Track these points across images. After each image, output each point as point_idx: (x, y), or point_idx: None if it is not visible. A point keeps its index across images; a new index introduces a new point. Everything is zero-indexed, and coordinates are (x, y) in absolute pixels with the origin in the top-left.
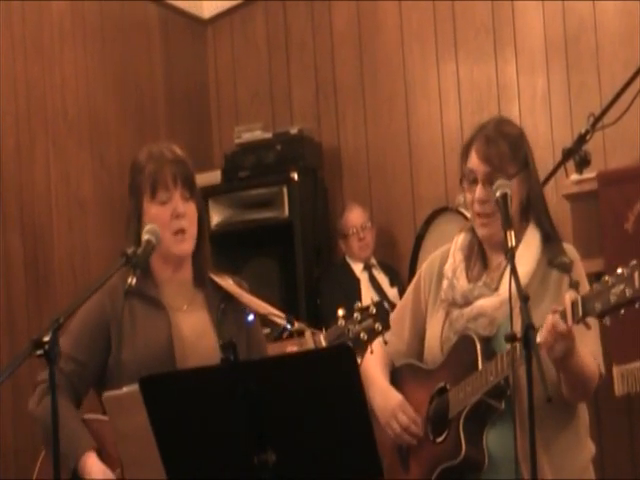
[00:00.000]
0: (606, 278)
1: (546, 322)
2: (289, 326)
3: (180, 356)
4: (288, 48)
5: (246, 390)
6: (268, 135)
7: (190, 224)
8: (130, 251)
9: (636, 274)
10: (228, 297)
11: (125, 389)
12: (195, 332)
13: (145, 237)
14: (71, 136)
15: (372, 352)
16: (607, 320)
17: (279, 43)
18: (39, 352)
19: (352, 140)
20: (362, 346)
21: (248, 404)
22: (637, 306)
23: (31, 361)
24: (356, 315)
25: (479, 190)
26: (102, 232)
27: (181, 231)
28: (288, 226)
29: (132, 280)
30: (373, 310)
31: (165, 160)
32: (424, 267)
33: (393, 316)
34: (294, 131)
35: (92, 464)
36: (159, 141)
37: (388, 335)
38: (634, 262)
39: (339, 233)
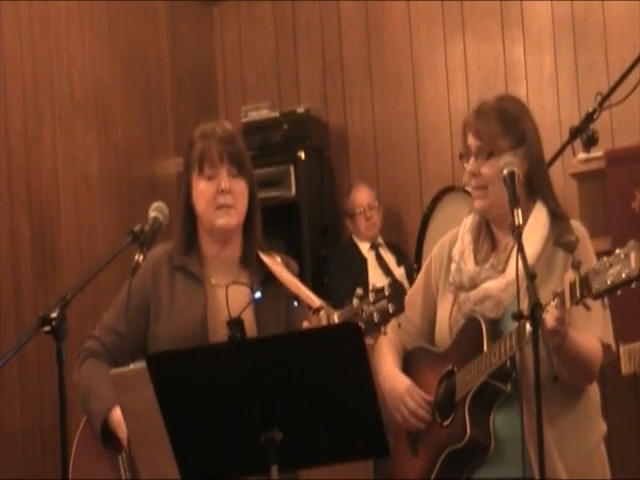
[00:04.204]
0: (605, 259)
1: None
2: (295, 303)
3: (213, 333)
4: (295, 28)
5: (253, 368)
6: (275, 114)
7: (237, 201)
8: (137, 229)
9: (632, 254)
10: (269, 277)
11: (132, 366)
12: (233, 310)
13: (152, 215)
14: (78, 116)
15: (386, 334)
16: (606, 300)
17: (286, 23)
18: (46, 329)
19: (359, 119)
20: (374, 327)
21: (255, 382)
22: (633, 286)
23: (38, 340)
24: (371, 295)
25: (470, 163)
26: (108, 211)
27: (226, 206)
28: (295, 205)
29: (139, 258)
30: (388, 291)
31: (214, 137)
32: (435, 250)
33: (405, 300)
34: (301, 110)
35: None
36: (166, 119)
37: (401, 318)
38: (632, 242)
39: (346, 213)
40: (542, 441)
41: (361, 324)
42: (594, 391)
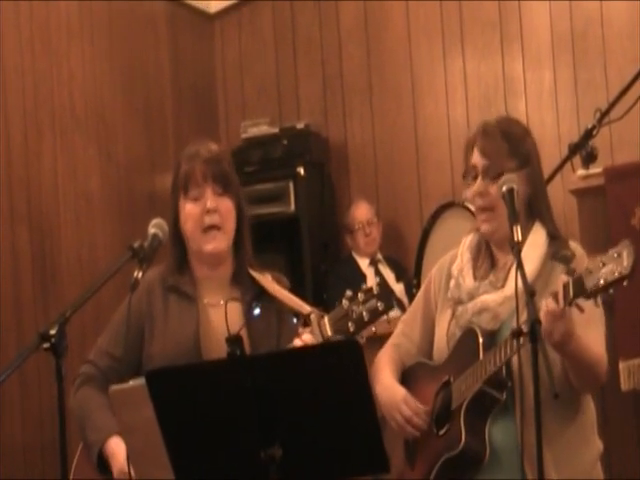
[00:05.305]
0: (598, 258)
1: (541, 308)
2: (295, 320)
3: (207, 352)
4: (295, 43)
5: (253, 385)
6: (275, 130)
7: (224, 220)
8: (137, 245)
9: (625, 253)
10: (262, 293)
11: (131, 383)
12: (226, 327)
13: (152, 231)
14: (78, 131)
15: (376, 333)
16: (599, 301)
17: (286, 38)
18: (45, 346)
19: (359, 135)
20: (364, 327)
21: (255, 399)
22: (624, 284)
23: (38, 356)
24: (360, 296)
25: (478, 183)
26: (109, 226)
27: (213, 227)
28: (295, 221)
29: (138, 274)
30: (377, 290)
31: (198, 158)
32: (435, 270)
33: (404, 317)
34: (301, 126)
35: (116, 444)
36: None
37: (401, 337)
38: (624, 241)
39: (345, 228)
40: (541, 458)
41: (351, 324)
42: (590, 407)
